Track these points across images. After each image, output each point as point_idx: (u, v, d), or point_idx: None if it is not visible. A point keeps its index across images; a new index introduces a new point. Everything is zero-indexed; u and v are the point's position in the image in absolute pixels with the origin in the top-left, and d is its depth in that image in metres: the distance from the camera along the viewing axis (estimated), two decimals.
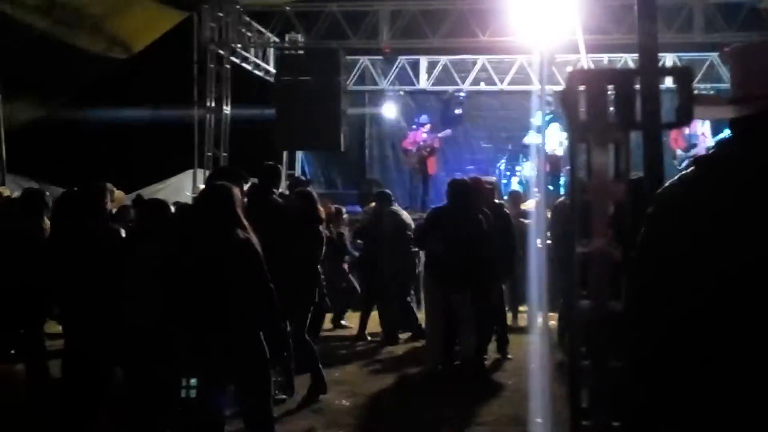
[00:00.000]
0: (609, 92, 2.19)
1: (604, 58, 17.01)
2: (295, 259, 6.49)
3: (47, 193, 7.43)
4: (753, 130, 1.92)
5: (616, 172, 2.18)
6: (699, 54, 16.60)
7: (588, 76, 2.23)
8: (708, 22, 14.29)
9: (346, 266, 10.97)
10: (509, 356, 8.87)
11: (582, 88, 2.18)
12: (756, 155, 1.88)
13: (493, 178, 12.91)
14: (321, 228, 7.54)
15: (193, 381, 4.43)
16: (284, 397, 7.00)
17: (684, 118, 2.17)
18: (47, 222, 7.11)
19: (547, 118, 13.19)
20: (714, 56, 15.68)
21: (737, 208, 1.83)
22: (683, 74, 2.19)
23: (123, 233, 6.00)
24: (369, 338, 10.12)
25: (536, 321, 8.23)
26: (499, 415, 6.93)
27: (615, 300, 2.14)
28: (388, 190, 11.08)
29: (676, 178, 2.01)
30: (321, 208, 7.74)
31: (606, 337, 2.15)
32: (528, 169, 14.99)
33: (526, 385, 7.01)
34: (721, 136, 8.83)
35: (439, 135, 15.81)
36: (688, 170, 1.98)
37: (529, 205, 10.74)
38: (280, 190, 8.09)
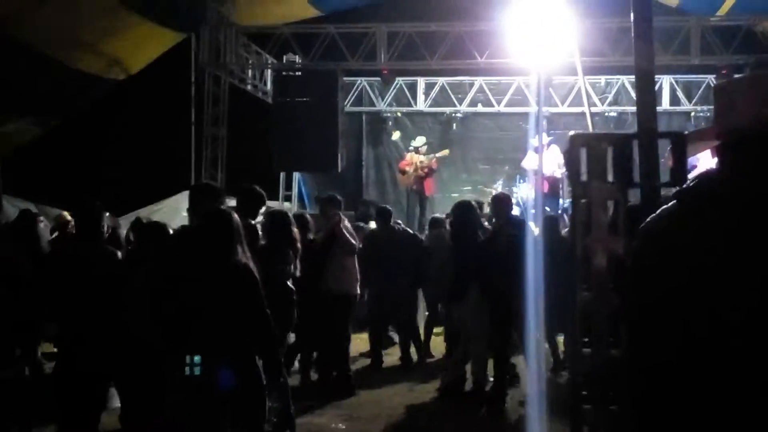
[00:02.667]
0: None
1: (601, 79, 17.11)
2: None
3: (41, 217, 7.40)
4: (738, 160, 1.89)
5: (614, 227, 2.18)
6: (696, 76, 16.72)
7: (589, 139, 2.26)
8: (705, 44, 14.33)
9: None
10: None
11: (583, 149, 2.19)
12: (741, 186, 1.85)
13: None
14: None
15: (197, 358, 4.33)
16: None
17: (678, 180, 2.17)
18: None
19: (546, 140, 13.03)
20: (711, 78, 15.74)
21: (723, 243, 1.79)
22: (677, 138, 2.20)
23: (119, 255, 5.97)
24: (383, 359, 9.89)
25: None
26: None
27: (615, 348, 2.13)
28: (388, 207, 10.94)
29: (659, 212, 1.99)
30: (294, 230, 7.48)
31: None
32: (525, 190, 14.86)
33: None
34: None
35: (437, 155, 15.81)
36: (670, 204, 1.96)
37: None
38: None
